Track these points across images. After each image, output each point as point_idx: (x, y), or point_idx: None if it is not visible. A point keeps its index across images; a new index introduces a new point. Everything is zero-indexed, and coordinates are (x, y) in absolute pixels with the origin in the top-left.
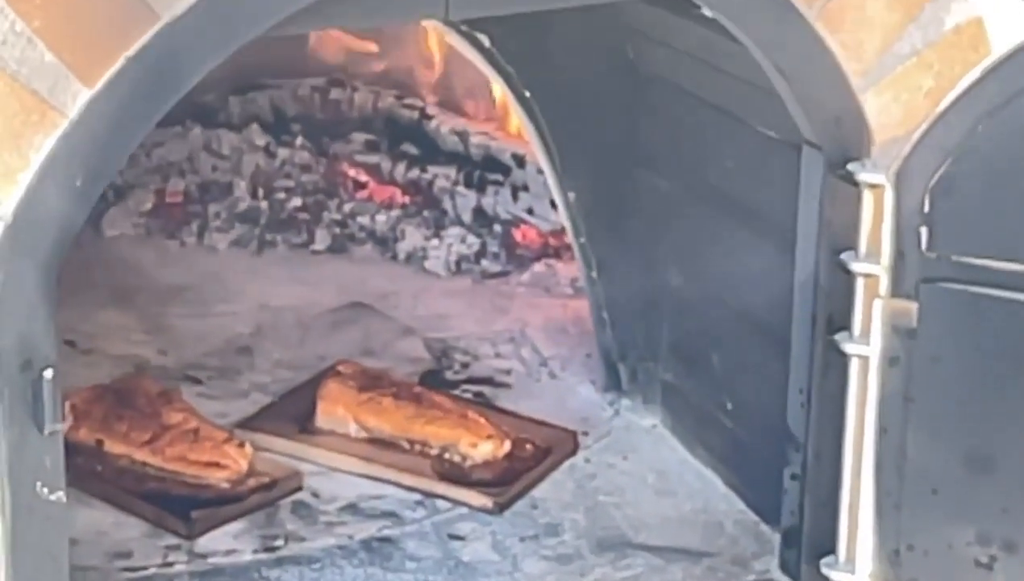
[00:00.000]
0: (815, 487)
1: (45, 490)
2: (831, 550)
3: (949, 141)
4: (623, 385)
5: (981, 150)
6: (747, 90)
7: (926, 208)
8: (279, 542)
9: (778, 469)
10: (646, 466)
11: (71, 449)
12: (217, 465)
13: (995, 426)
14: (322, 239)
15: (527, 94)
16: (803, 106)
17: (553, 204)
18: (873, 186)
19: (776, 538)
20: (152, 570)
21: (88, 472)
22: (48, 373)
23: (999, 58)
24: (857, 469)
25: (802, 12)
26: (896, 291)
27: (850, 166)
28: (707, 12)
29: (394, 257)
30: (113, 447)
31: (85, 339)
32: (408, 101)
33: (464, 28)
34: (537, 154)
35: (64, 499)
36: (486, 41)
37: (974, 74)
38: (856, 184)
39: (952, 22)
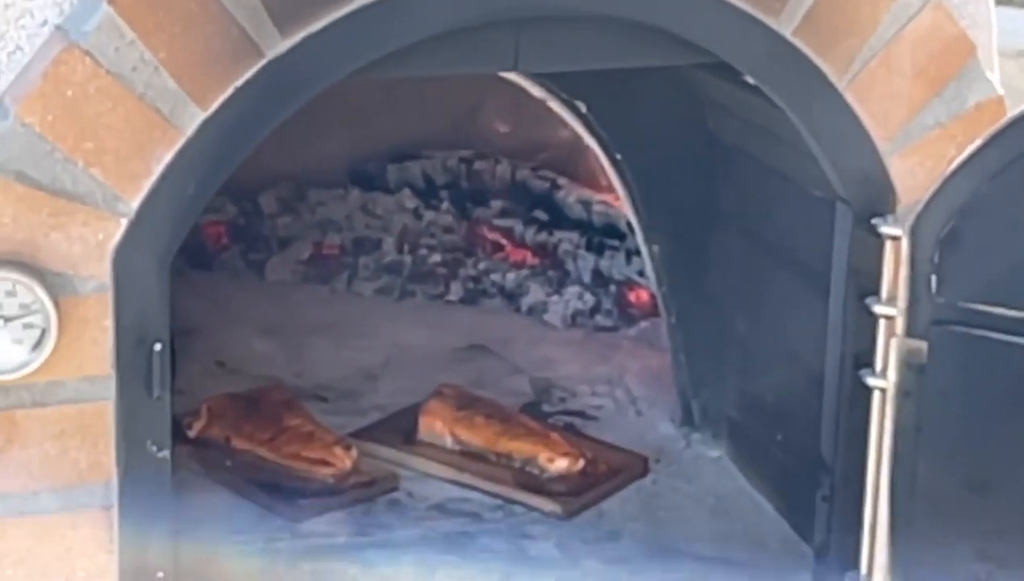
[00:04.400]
0: (842, 508)
1: (154, 448)
2: (855, 566)
3: (955, 200)
4: (695, 420)
5: (983, 209)
6: (797, 155)
7: (936, 259)
8: (372, 530)
9: (815, 491)
10: (706, 491)
11: (204, 444)
12: (325, 463)
13: (993, 455)
14: (456, 291)
15: (618, 157)
16: (835, 166)
17: None
18: (893, 238)
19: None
20: (260, 545)
21: (216, 463)
22: (157, 346)
23: (999, 128)
24: (876, 492)
25: (833, 83)
26: (910, 332)
27: (873, 220)
28: (750, 80)
29: (518, 309)
30: (239, 444)
31: (234, 362)
32: (541, 173)
33: (564, 96)
34: (627, 211)
35: (168, 456)
36: (583, 108)
37: (979, 141)
38: (879, 236)
39: (974, 100)
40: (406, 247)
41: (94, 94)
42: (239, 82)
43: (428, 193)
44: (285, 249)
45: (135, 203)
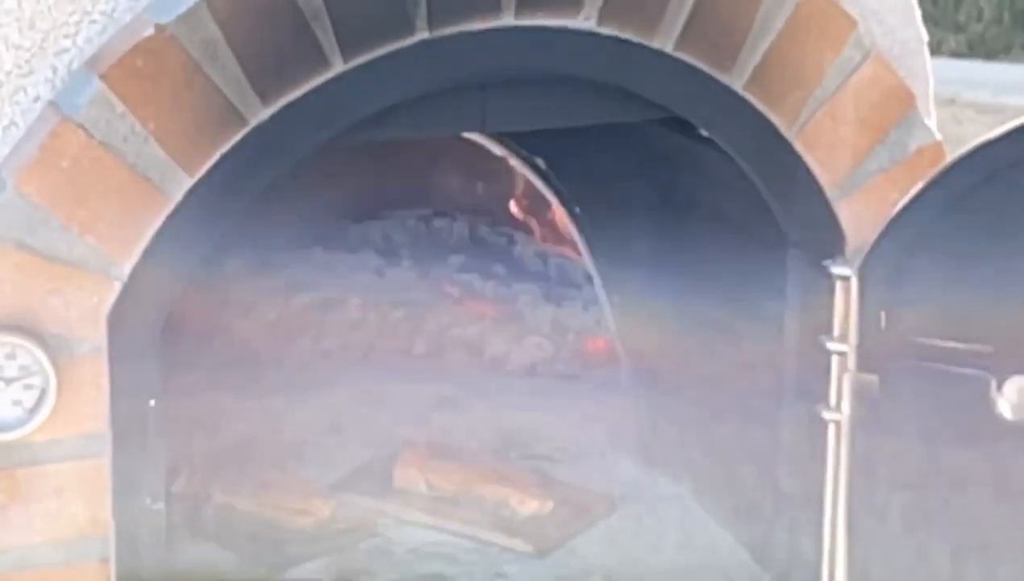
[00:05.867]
0: (801, 538)
1: (149, 500)
2: None
3: (901, 241)
4: (656, 460)
5: (927, 247)
6: (750, 203)
7: (884, 296)
8: (352, 575)
9: (775, 522)
10: (669, 526)
11: (186, 498)
12: (305, 512)
13: (944, 485)
14: (420, 346)
15: (577, 211)
16: (786, 213)
17: None
18: (843, 279)
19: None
20: None
21: (199, 517)
22: (151, 402)
23: (939, 171)
24: (834, 521)
25: (783, 134)
26: (862, 367)
27: (824, 262)
28: (704, 133)
29: (481, 360)
30: (220, 497)
31: (208, 420)
32: (499, 229)
33: (524, 153)
34: (586, 263)
35: (163, 508)
36: (542, 164)
37: (921, 184)
38: (830, 277)
39: (914, 145)
40: (370, 305)
41: (87, 165)
42: (224, 149)
43: (389, 252)
44: (251, 310)
45: (128, 267)
